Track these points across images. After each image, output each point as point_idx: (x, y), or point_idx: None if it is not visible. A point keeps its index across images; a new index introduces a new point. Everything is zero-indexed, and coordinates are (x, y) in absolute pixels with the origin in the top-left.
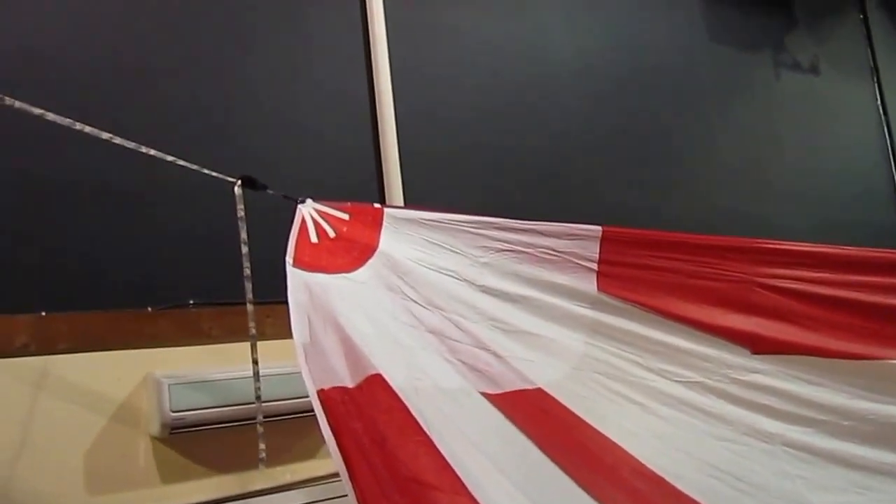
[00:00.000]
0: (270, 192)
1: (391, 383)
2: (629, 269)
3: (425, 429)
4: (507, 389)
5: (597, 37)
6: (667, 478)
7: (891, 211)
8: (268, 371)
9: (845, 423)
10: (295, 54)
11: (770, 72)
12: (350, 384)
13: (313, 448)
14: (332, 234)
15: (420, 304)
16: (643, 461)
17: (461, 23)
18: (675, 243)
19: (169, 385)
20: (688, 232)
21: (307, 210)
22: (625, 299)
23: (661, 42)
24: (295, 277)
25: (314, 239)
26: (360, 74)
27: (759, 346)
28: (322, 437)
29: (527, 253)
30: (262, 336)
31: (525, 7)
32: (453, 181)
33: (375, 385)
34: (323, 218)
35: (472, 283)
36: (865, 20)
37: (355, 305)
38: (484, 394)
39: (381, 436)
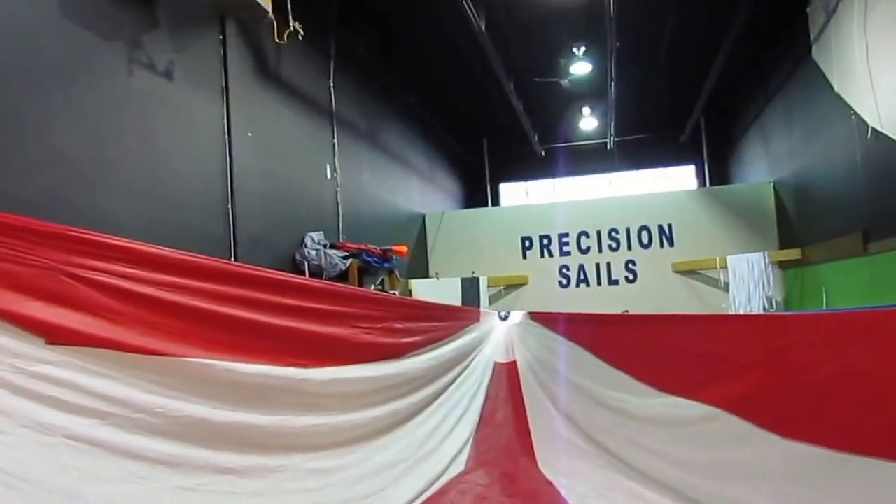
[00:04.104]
0: None
1: None
2: None
3: None
4: None
5: None
6: None
7: (221, 223)
8: None
9: (134, 416)
10: None
11: (123, 66)
12: None
13: None
14: None
15: None
16: None
17: None
18: None
19: None
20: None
21: None
22: None
23: (5, 2)
24: None
25: None
26: None
27: (55, 336)
28: None
29: None
30: None
31: None
32: None
33: None
34: None
35: None
36: (224, 43)
37: None
38: None
39: None
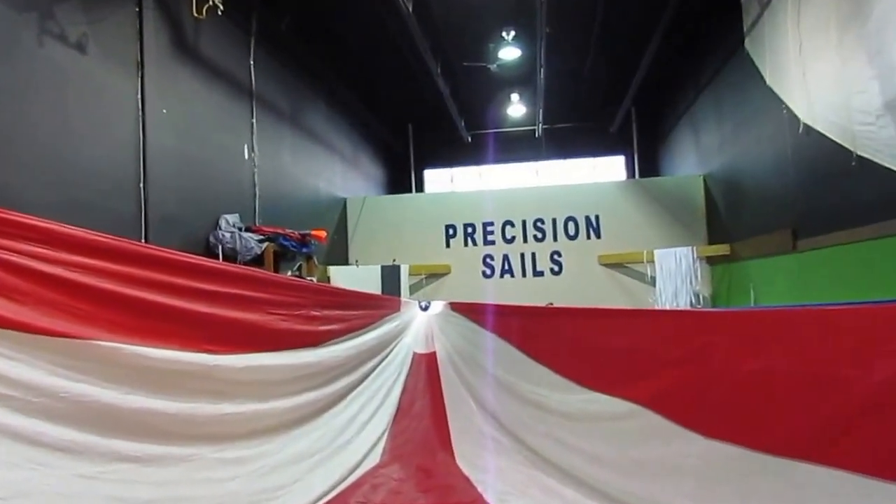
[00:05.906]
0: None
1: None
2: None
3: None
4: None
5: None
6: None
7: (132, 202)
8: None
9: (36, 399)
10: None
11: (34, 37)
12: None
13: None
14: None
15: None
16: None
17: None
18: None
19: None
20: None
21: None
22: None
23: None
24: None
25: None
26: None
27: None
28: None
29: None
30: None
31: None
32: None
33: None
34: None
35: None
36: (140, 15)
37: None
38: None
39: None
